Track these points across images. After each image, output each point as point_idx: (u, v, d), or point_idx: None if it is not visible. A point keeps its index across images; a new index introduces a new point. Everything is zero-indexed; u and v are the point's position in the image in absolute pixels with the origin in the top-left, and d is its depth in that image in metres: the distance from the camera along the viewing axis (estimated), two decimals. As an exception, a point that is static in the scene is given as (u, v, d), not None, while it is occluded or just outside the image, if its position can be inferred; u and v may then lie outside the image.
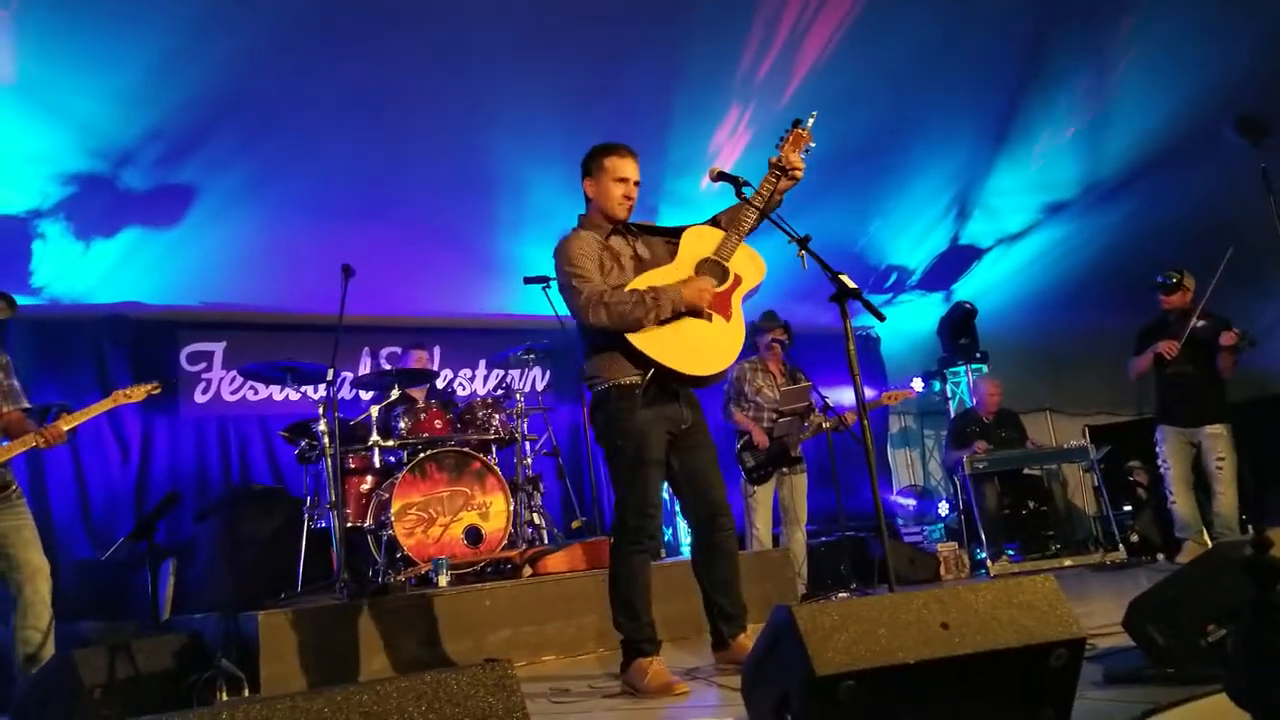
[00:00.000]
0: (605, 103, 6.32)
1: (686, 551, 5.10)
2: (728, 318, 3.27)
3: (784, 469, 5.91)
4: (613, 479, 3.33)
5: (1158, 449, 6.05)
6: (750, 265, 3.36)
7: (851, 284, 2.75)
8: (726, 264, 3.31)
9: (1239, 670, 1.58)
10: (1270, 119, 7.03)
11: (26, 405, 4.07)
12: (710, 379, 3.29)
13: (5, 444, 3.85)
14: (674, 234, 3.48)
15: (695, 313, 3.22)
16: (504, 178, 6.56)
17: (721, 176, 3.31)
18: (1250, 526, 6.31)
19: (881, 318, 2.86)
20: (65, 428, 3.88)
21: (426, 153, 6.22)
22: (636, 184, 3.38)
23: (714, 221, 3.48)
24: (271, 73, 5.48)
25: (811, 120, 3.36)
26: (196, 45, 5.20)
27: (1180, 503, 5.89)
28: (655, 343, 3.16)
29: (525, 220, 6.69)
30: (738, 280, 3.32)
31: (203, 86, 5.40)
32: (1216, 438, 5.80)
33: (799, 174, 3.30)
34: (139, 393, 4.19)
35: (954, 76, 6.90)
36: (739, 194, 3.28)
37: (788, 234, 3.00)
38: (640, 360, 3.18)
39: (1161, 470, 6.07)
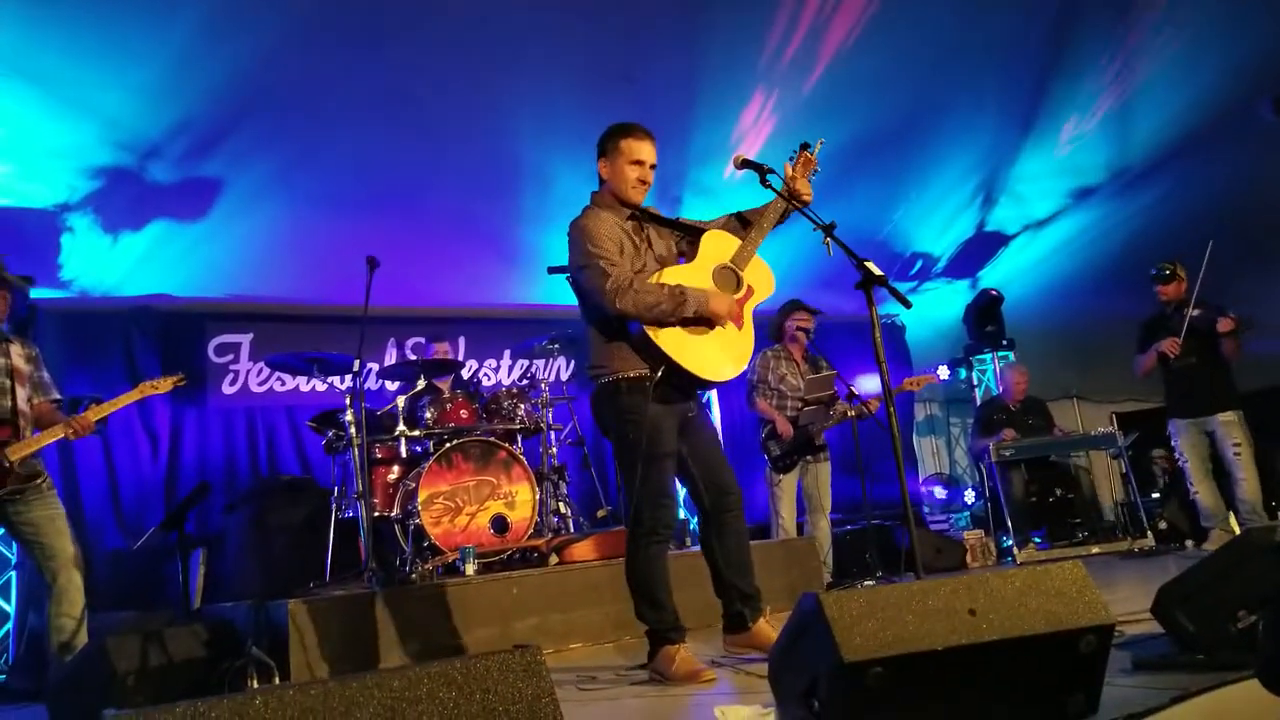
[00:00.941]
0: (629, 90, 6.29)
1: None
2: (740, 326, 3.30)
3: (808, 457, 5.90)
4: (623, 471, 3.30)
5: (1173, 442, 6.07)
6: (762, 277, 3.39)
7: (877, 271, 2.73)
8: (741, 273, 3.33)
9: (1272, 655, 1.57)
10: None
11: (57, 397, 4.14)
12: (719, 384, 3.31)
13: (36, 434, 3.92)
14: (684, 229, 3.49)
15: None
16: (527, 167, 6.56)
17: (746, 164, 3.30)
18: None
19: (908, 304, 2.85)
20: (94, 419, 3.94)
21: (450, 143, 6.22)
22: (653, 167, 3.35)
23: (740, 218, 3.48)
24: (296, 65, 5.50)
25: (819, 146, 3.40)
26: (221, 38, 5.23)
27: (1202, 493, 5.90)
28: (671, 341, 3.16)
29: (549, 210, 6.68)
30: (750, 291, 3.34)
31: (228, 79, 5.42)
32: (1229, 425, 5.80)
33: (807, 198, 3.31)
34: (165, 384, 4.26)
35: (979, 60, 6.81)
36: (764, 181, 3.27)
37: (813, 221, 2.98)
38: (655, 356, 3.16)
39: (1180, 464, 6.09)
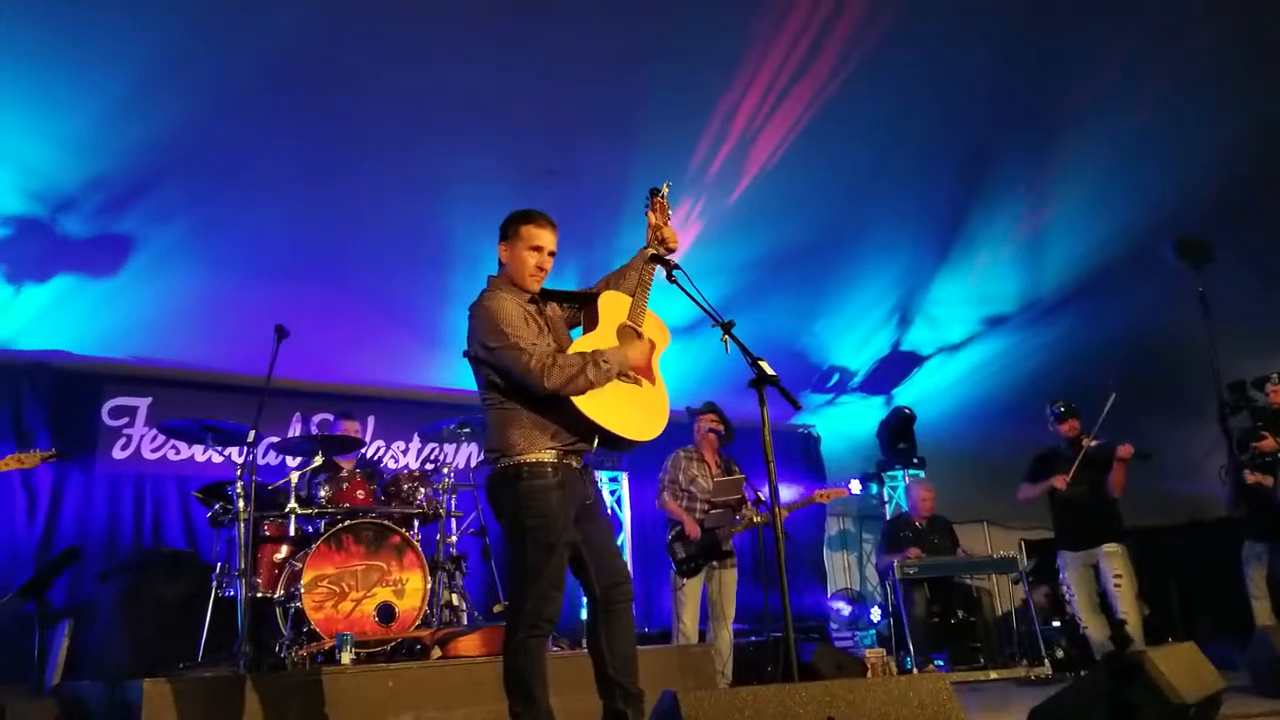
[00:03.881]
0: (561, 185, 6.37)
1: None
2: (653, 382, 3.32)
3: (714, 563, 5.81)
4: (513, 559, 3.19)
5: (1061, 575, 6.15)
6: (658, 330, 3.42)
7: (770, 370, 2.75)
8: (640, 329, 3.36)
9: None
10: (1211, 243, 7.21)
11: None
12: (647, 443, 3.29)
13: None
14: (574, 297, 3.52)
15: (625, 377, 3.23)
16: (456, 248, 6.53)
17: (655, 259, 3.37)
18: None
19: (797, 406, 2.86)
20: None
21: (376, 220, 6.21)
22: (552, 254, 3.37)
23: (617, 275, 3.51)
24: (224, 129, 5.47)
25: (666, 188, 3.47)
26: (152, 98, 5.19)
27: (1092, 627, 5.93)
28: (597, 409, 3.14)
29: (474, 294, 6.67)
30: (652, 344, 3.37)
31: (154, 138, 5.36)
32: (1112, 556, 5.88)
33: (675, 245, 3.38)
34: (32, 459, 4.13)
35: (900, 185, 7.08)
36: (670, 277, 3.32)
37: (712, 318, 3.01)
38: (584, 427, 3.13)
39: (1067, 597, 6.15)
